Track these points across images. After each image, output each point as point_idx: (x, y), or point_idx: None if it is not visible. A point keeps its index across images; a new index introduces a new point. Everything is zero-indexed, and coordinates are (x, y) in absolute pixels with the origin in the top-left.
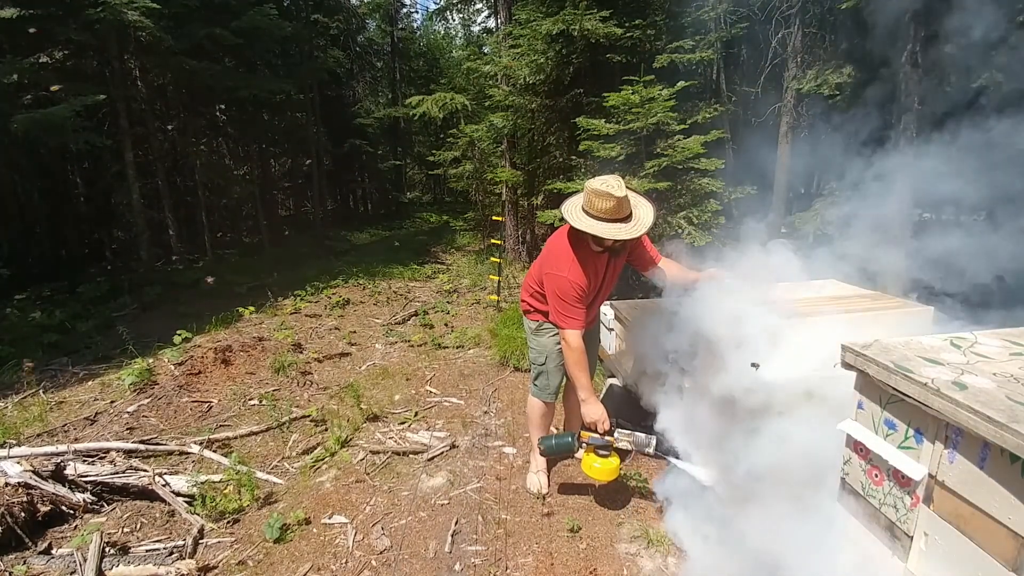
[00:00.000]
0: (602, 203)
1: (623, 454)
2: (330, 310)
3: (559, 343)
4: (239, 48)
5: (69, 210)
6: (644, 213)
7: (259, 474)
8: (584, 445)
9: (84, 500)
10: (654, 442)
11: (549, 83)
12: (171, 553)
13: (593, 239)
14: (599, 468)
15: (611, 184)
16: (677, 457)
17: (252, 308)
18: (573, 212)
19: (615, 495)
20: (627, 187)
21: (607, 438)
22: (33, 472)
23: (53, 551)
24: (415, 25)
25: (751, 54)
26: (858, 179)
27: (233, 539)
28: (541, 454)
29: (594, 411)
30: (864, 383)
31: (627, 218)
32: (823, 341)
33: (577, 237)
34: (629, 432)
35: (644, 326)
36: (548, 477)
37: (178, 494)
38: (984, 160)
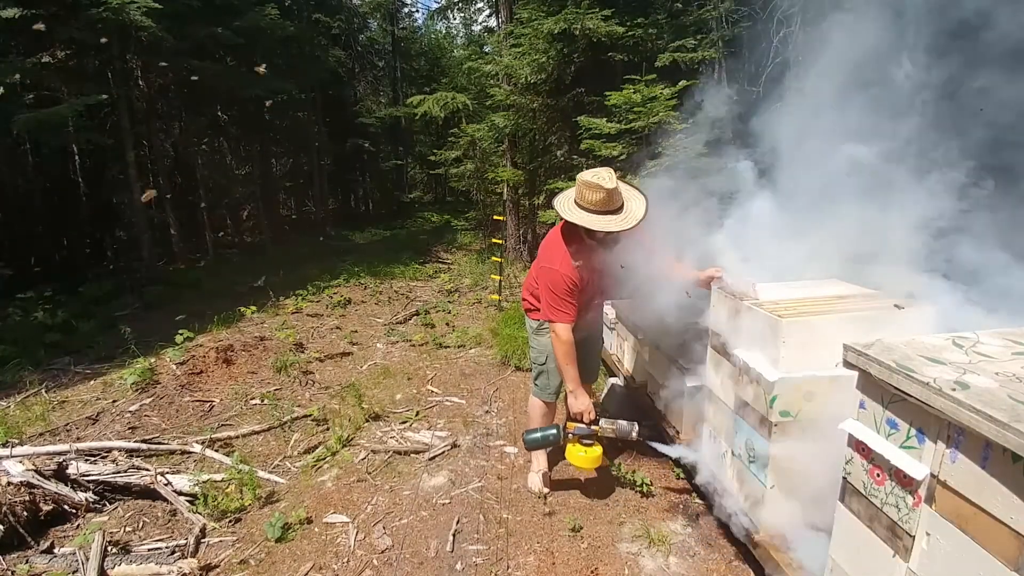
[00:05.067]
0: (592, 195)
1: (608, 441)
2: (331, 309)
3: None
4: (241, 48)
5: (71, 210)
6: (636, 206)
7: (261, 473)
8: (570, 435)
9: (86, 499)
10: (636, 428)
11: (550, 82)
12: (173, 552)
13: (586, 232)
14: (583, 457)
15: (602, 176)
16: (660, 441)
17: (254, 308)
18: (565, 205)
19: (616, 495)
20: (621, 180)
21: (592, 427)
22: (35, 471)
23: (55, 550)
24: (416, 24)
25: (753, 53)
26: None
27: (235, 538)
28: (527, 448)
29: (581, 402)
30: (866, 383)
31: (618, 210)
32: (824, 340)
33: (570, 231)
34: (612, 420)
35: None
36: (549, 476)
37: (180, 493)
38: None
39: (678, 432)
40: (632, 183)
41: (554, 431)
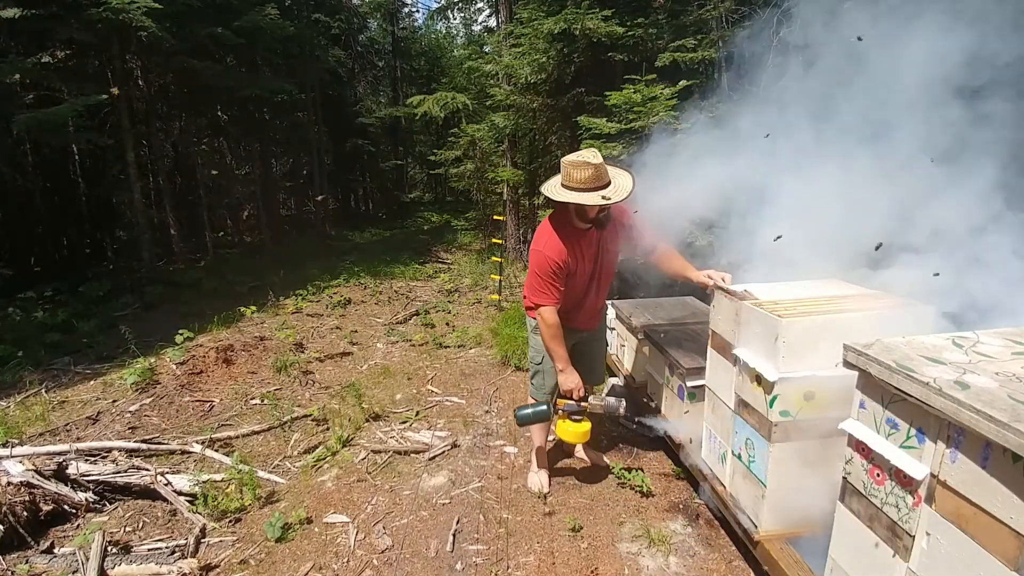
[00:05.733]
0: (580, 173)
1: (597, 418)
2: (331, 309)
3: None
4: (241, 48)
5: (71, 210)
6: (623, 181)
7: (261, 473)
8: (560, 412)
9: (86, 499)
10: (623, 404)
11: (550, 82)
12: (173, 552)
13: (577, 213)
14: (572, 431)
15: (586, 155)
16: (645, 416)
17: (254, 307)
18: (553, 189)
19: (616, 495)
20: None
21: (581, 404)
22: (35, 471)
23: (55, 550)
24: (416, 24)
25: (753, 53)
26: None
27: (235, 538)
28: (518, 424)
29: (571, 380)
30: (866, 382)
31: (606, 186)
32: (824, 340)
33: (560, 216)
34: (601, 397)
35: None
36: (549, 476)
37: (180, 493)
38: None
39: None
40: (616, 163)
41: (544, 407)
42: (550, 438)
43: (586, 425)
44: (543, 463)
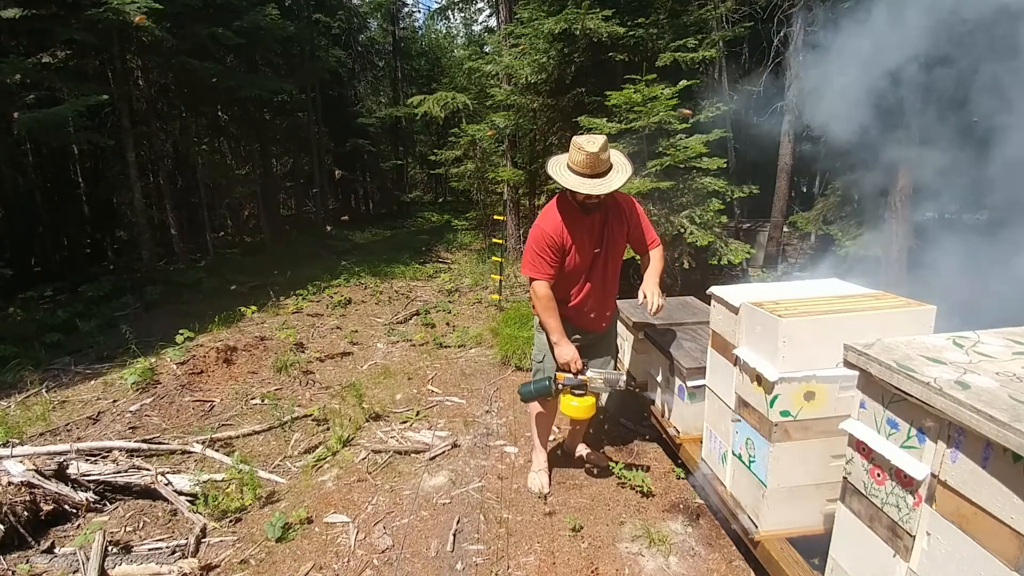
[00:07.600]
0: (576, 155)
1: (598, 392)
2: (332, 309)
3: None
4: (241, 48)
5: (71, 210)
6: (618, 178)
7: (261, 473)
8: (561, 387)
9: (87, 499)
10: (623, 378)
11: (551, 82)
12: (173, 552)
13: (571, 195)
14: (576, 407)
15: (592, 140)
16: (645, 390)
17: (254, 307)
18: (555, 166)
19: (616, 495)
20: (616, 151)
21: (580, 377)
22: (36, 471)
23: (56, 550)
24: (416, 24)
25: (753, 53)
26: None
27: (235, 538)
28: (522, 400)
29: (565, 352)
30: (866, 382)
31: (599, 175)
32: (824, 340)
33: (563, 198)
34: (600, 371)
35: None
36: (549, 476)
37: (180, 493)
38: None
39: (679, 432)
40: (625, 156)
41: (546, 382)
42: (552, 438)
43: (590, 400)
44: (543, 463)
